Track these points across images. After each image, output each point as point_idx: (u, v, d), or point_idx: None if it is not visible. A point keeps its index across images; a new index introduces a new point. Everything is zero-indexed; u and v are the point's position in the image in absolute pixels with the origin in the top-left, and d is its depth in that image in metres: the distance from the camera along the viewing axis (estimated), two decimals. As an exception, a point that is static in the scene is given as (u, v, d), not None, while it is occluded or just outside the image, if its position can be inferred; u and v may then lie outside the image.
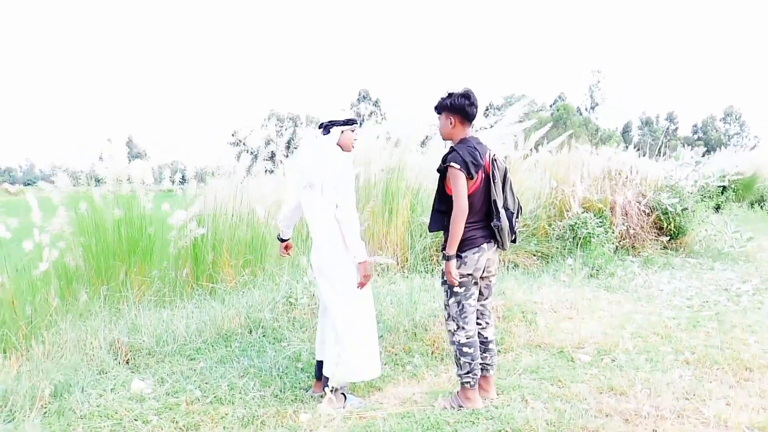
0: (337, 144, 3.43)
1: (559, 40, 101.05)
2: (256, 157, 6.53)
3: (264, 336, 4.57)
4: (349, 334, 3.35)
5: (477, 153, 3.12)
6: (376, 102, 54.02)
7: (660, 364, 3.92)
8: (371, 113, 7.14)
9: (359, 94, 56.40)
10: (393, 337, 4.41)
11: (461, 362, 3.24)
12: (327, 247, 3.37)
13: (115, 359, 4.12)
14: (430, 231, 3.41)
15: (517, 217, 3.31)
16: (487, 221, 3.19)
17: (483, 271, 3.24)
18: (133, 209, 5.37)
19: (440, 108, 3.25)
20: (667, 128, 64.58)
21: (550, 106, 62.39)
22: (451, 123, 3.22)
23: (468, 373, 3.23)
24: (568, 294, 5.83)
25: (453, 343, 3.28)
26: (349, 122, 3.42)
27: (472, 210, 3.13)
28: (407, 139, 7.34)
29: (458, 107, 3.18)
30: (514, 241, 3.30)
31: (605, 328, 4.84)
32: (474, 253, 3.16)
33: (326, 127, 3.42)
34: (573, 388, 3.55)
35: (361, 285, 3.35)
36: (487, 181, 3.18)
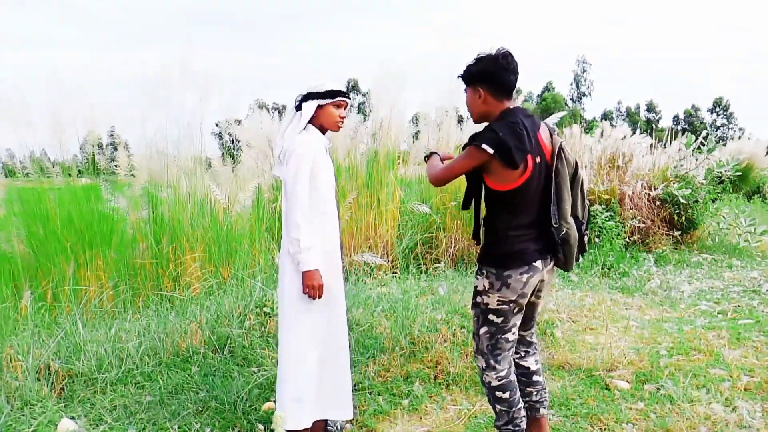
0: (315, 124, 2.68)
1: (546, 28, 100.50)
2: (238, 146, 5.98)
3: (232, 356, 3.79)
4: (282, 366, 2.70)
5: (525, 133, 2.17)
6: (366, 94, 52.79)
7: (716, 393, 3.19)
8: (360, 104, 6.51)
9: (348, 84, 55.11)
10: (387, 358, 3.62)
11: (497, 410, 2.42)
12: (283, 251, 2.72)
13: (47, 386, 3.34)
14: (473, 238, 2.52)
15: (586, 228, 2.43)
16: (543, 229, 2.32)
17: (531, 296, 2.38)
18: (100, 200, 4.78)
19: (465, 78, 2.34)
20: (648, 119, 64.46)
21: (538, 96, 61.75)
22: (480, 97, 2.29)
23: (506, 424, 2.40)
24: (585, 299, 5.11)
25: (483, 383, 2.46)
26: (330, 94, 2.63)
27: (520, 212, 2.26)
28: (393, 125, 6.55)
29: (486, 74, 2.26)
30: (578, 260, 2.44)
31: (636, 342, 4.12)
32: (521, 273, 2.26)
33: (299, 103, 2.67)
34: (618, 431, 2.83)
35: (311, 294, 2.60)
36: (547, 174, 2.30)
